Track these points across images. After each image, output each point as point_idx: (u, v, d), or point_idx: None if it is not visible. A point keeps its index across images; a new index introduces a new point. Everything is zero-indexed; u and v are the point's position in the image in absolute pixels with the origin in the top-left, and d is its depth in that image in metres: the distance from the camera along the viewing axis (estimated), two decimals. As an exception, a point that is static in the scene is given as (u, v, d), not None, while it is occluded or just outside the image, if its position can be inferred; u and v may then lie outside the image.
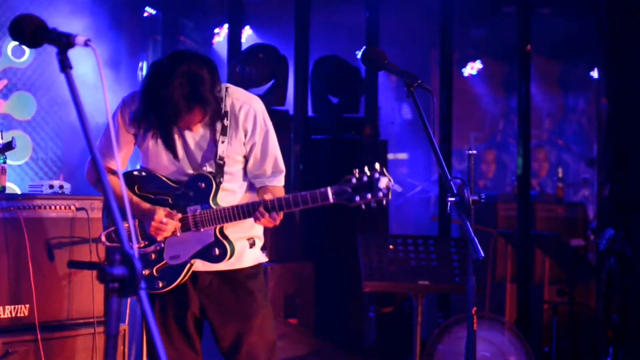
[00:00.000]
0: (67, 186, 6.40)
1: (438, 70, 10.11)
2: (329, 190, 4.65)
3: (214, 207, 4.88)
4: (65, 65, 3.10)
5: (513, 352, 7.72)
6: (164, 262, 4.96)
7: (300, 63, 9.33)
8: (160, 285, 4.96)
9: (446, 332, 7.72)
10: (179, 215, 4.90)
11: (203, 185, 4.91)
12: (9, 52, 9.44)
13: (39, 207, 6.04)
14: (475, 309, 4.49)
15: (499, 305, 9.23)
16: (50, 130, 9.66)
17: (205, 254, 4.92)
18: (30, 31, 3.21)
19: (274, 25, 10.96)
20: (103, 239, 5.08)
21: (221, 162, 4.93)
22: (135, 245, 4.92)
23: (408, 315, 8.88)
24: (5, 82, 9.48)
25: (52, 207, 6.09)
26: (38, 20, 3.23)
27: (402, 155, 13.49)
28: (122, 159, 5.07)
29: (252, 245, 5.08)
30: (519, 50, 9.51)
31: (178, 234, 4.92)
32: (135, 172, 5.08)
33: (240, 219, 4.83)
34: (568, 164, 13.89)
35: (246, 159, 5.04)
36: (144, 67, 10.41)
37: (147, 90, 4.73)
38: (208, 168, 4.95)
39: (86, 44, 3.12)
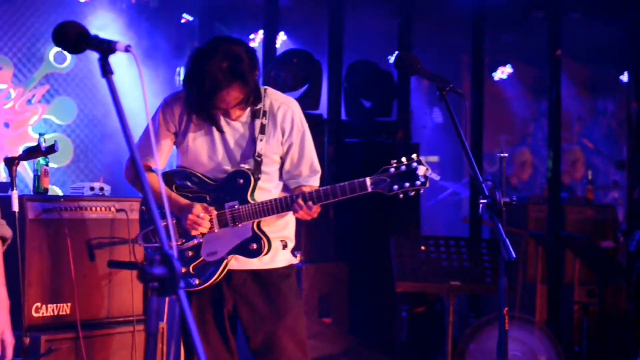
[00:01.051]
0: (108, 188, 6.45)
1: (469, 74, 10.10)
2: (368, 180, 4.71)
3: (251, 202, 4.90)
4: (106, 71, 3.12)
5: (543, 352, 7.71)
6: (201, 259, 4.98)
7: (334, 68, 9.34)
8: (197, 282, 4.98)
9: (478, 331, 7.72)
10: (215, 211, 4.93)
11: (241, 181, 4.92)
12: (51, 58, 9.49)
13: (81, 209, 6.11)
14: (506, 309, 4.49)
15: (529, 306, 9.20)
16: (90, 134, 9.71)
17: (243, 249, 4.93)
18: (73, 38, 3.22)
19: (307, 31, 10.97)
20: (140, 239, 5.11)
21: (259, 160, 4.95)
22: (175, 244, 4.95)
23: (440, 315, 8.89)
24: (47, 87, 9.53)
25: (93, 209, 6.15)
26: (80, 27, 3.24)
27: (434, 158, 13.45)
28: (162, 158, 5.11)
29: (284, 246, 5.10)
30: (549, 54, 9.49)
31: (216, 230, 4.93)
32: (174, 171, 5.11)
33: (278, 212, 4.85)
34: (598, 166, 13.83)
35: (282, 160, 5.07)
36: (181, 72, 10.44)
37: (188, 70, 4.81)
38: (246, 165, 4.96)
39: (127, 49, 3.14)
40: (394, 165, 4.71)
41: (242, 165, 4.98)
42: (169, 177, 5.10)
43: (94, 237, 6.09)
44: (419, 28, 9.68)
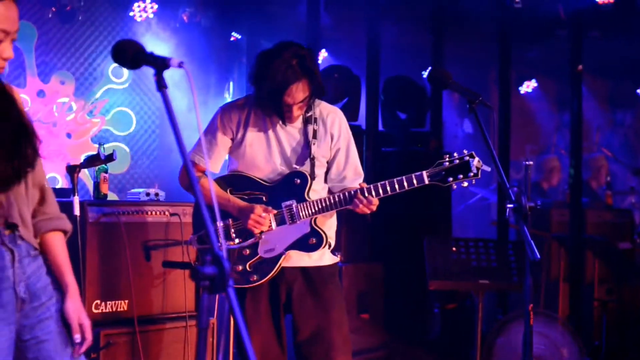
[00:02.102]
0: (162, 194, 6.44)
1: (497, 88, 10.04)
2: (425, 173, 4.82)
3: (309, 200, 4.89)
4: (161, 85, 3.10)
5: (566, 346, 7.64)
6: (258, 256, 4.96)
7: (371, 82, 9.30)
8: (254, 279, 4.96)
9: (505, 327, 7.66)
10: (274, 211, 4.91)
11: (298, 181, 4.93)
12: (110, 74, 9.52)
13: (137, 213, 6.10)
14: (531, 305, 4.47)
15: (552, 303, 9.13)
16: (146, 144, 9.73)
17: (301, 244, 4.93)
18: (131, 55, 3.21)
19: (347, 48, 10.93)
20: (194, 241, 5.09)
21: (314, 162, 4.95)
22: (224, 245, 4.93)
23: (469, 312, 8.81)
24: (106, 100, 9.56)
25: (149, 213, 6.15)
26: (137, 45, 3.23)
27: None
28: (218, 162, 5.09)
29: (329, 246, 5.08)
30: (571, 70, 9.45)
31: (273, 228, 4.90)
32: (228, 175, 5.09)
33: (339, 207, 4.86)
34: (616, 173, 13.71)
35: (329, 164, 5.06)
36: (230, 87, 10.44)
37: (258, 68, 4.84)
38: (301, 167, 4.96)
39: (180, 65, 3.12)
40: (448, 159, 4.84)
41: (297, 167, 4.98)
42: (225, 181, 5.09)
43: (149, 239, 6.09)
44: (451, 45, 9.63)
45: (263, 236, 4.95)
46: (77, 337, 3.81)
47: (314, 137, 4.97)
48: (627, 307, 8.95)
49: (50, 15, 9.14)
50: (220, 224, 4.94)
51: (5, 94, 3.67)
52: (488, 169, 4.84)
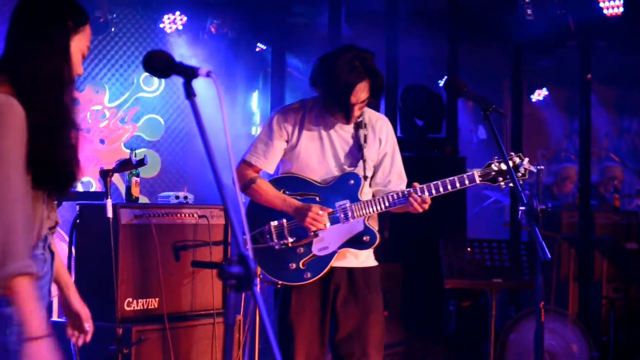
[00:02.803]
0: (191, 197, 6.44)
1: (510, 96, 10.01)
2: (476, 173, 4.86)
3: (362, 200, 4.88)
4: (190, 93, 3.09)
5: (575, 341, 7.62)
6: (312, 254, 4.92)
7: (390, 90, 9.28)
8: (308, 276, 4.92)
9: (517, 323, 7.63)
10: (330, 210, 4.88)
11: (352, 182, 4.91)
12: (141, 82, 9.53)
13: (167, 215, 6.09)
14: (542, 303, 4.46)
15: (563, 301, 9.09)
16: (175, 149, 9.74)
17: (355, 242, 4.91)
18: (161, 64, 3.19)
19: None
20: (248, 242, 5.05)
21: (365, 164, 4.92)
22: (278, 244, 4.93)
23: (484, 309, 8.78)
24: (137, 107, 9.57)
25: (178, 215, 6.14)
26: (167, 55, 3.21)
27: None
28: (273, 163, 5.06)
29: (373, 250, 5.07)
30: (581, 79, 9.43)
31: (327, 227, 4.87)
32: (282, 177, 5.06)
33: (393, 206, 4.86)
34: (623, 177, 13.67)
35: (375, 169, 5.04)
36: (255, 96, 10.45)
37: (323, 70, 4.83)
38: (353, 169, 4.94)
39: (207, 74, 3.11)
40: (497, 161, 4.86)
41: (348, 168, 4.96)
42: (278, 182, 5.06)
43: (178, 240, 6.08)
44: (465, 55, 9.59)
45: (317, 235, 4.91)
46: (88, 325, 3.91)
47: (365, 141, 4.95)
48: (634, 305, 8.92)
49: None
50: (274, 223, 4.93)
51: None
52: (534, 169, 4.85)
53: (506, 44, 9.79)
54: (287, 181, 5.03)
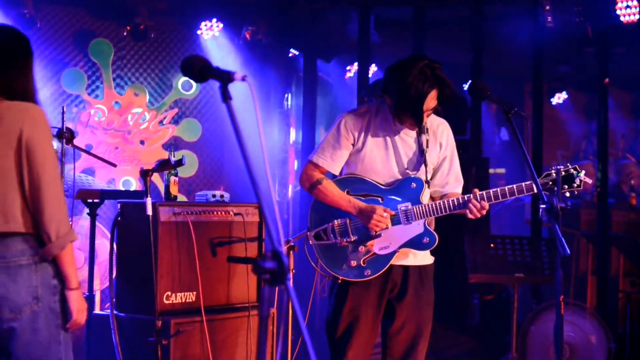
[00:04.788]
0: (227, 195, 6.43)
1: (531, 99, 9.96)
2: (534, 184, 4.70)
3: (423, 203, 4.84)
4: (226, 97, 3.09)
5: (593, 333, 7.57)
6: (372, 253, 4.89)
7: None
8: (368, 273, 4.89)
9: (538, 316, 7.58)
10: (392, 212, 4.84)
11: (414, 185, 4.86)
12: (179, 86, 9.55)
13: (204, 213, 6.11)
14: (562, 297, 4.43)
15: (581, 294, 9.05)
16: (212, 150, 9.76)
17: (415, 243, 4.87)
18: (198, 69, 3.20)
19: (394, 62, 10.92)
20: (311, 238, 5.02)
21: (427, 168, 4.90)
22: (340, 241, 4.91)
23: (506, 302, 8.74)
24: (176, 110, 9.59)
25: (215, 213, 6.15)
26: (204, 60, 3.22)
27: (501, 170, 13.36)
28: (338, 165, 5.02)
29: None
30: (598, 83, 9.35)
31: (389, 227, 4.84)
32: (346, 178, 5.02)
33: (452, 211, 4.82)
34: (639, 173, 13.60)
35: (434, 171, 5.00)
36: (289, 98, 10.44)
37: (397, 79, 4.77)
38: (415, 172, 4.90)
39: (243, 79, 3.10)
40: (554, 171, 4.76)
41: (410, 172, 4.92)
42: (343, 183, 5.02)
43: (215, 236, 6.10)
44: (488, 60, 9.55)
45: (379, 234, 4.88)
46: None
47: (427, 146, 4.91)
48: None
49: (125, 34, 9.20)
50: (338, 221, 4.91)
51: None
52: (589, 181, 4.84)
53: (527, 50, 9.73)
54: (351, 182, 4.99)
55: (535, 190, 4.71)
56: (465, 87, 10.96)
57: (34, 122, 3.93)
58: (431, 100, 4.73)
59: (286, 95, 10.34)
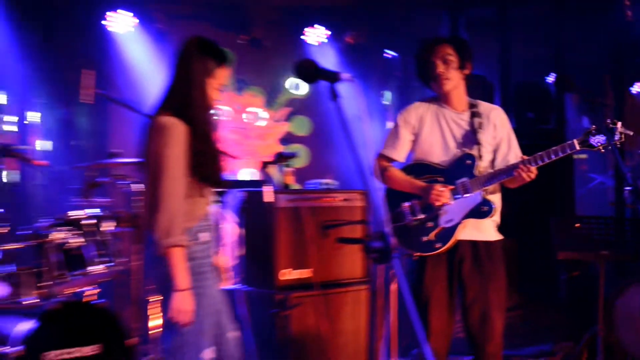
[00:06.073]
0: (335, 183, 6.55)
1: (611, 89, 9.85)
2: (575, 141, 4.77)
3: (478, 175, 4.92)
4: (334, 95, 3.19)
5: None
6: (440, 227, 4.96)
7: (504, 87, 9.26)
8: (438, 246, 4.96)
9: (623, 290, 7.51)
10: (451, 187, 4.93)
11: (469, 161, 4.94)
12: (291, 87, 9.69)
13: (316, 199, 6.20)
14: (645, 271, 4.40)
15: (664, 269, 8.92)
16: (321, 143, 9.87)
17: (475, 212, 4.93)
18: (310, 71, 3.31)
19: (481, 60, 10.88)
20: (388, 223, 5.11)
21: (480, 146, 4.96)
22: (411, 220, 4.99)
23: (592, 279, 8.68)
24: (289, 109, 9.74)
25: (325, 199, 6.24)
26: (314, 63, 3.33)
27: (583, 156, 13.20)
28: (403, 152, 5.12)
29: (497, 225, 5.09)
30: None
31: (451, 202, 4.93)
32: (411, 164, 5.13)
33: (503, 177, 4.87)
34: None
35: (494, 153, 5.05)
36: (388, 96, 10.49)
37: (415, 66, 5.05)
38: (469, 150, 4.98)
39: (349, 79, 3.21)
40: (594, 128, 4.77)
41: (464, 150, 5.00)
42: (408, 169, 5.12)
43: (326, 219, 6.18)
44: (571, 54, 9.47)
45: (443, 209, 4.96)
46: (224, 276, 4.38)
47: (480, 127, 4.98)
48: None
49: (242, 42, 9.39)
50: (407, 204, 4.99)
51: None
52: (630, 132, 4.78)
53: (608, 42, 9.63)
54: (414, 168, 5.09)
55: (578, 148, 4.78)
56: (550, 79, 10.90)
57: (153, 130, 4.03)
58: (445, 54, 4.94)
59: (383, 92, 10.40)
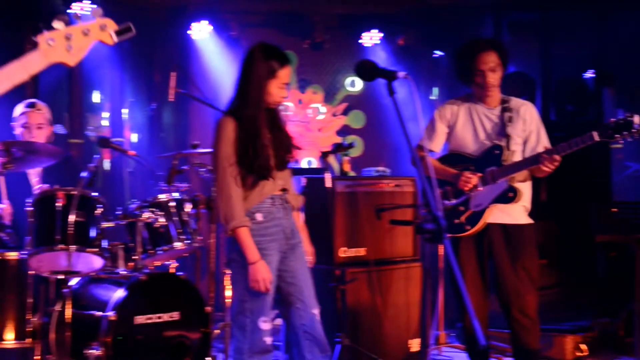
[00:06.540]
0: (388, 170, 6.66)
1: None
2: (594, 133, 4.72)
3: (505, 164, 4.99)
4: (391, 92, 3.31)
5: None
6: (470, 211, 5.07)
7: (545, 83, 9.28)
8: (468, 227, 5.06)
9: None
10: (480, 174, 5.03)
11: (497, 151, 5.02)
12: (347, 85, 9.84)
13: (370, 185, 6.27)
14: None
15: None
16: (375, 134, 9.96)
17: (502, 198, 5.00)
18: (369, 69, 3.44)
19: (522, 57, 10.85)
20: (424, 208, 5.19)
21: (509, 138, 5.03)
22: (442, 204, 5.09)
23: (629, 259, 8.65)
24: (346, 104, 9.89)
25: (378, 185, 6.30)
26: (372, 63, 3.47)
27: (619, 145, 13.07)
28: (438, 143, 5.25)
29: (526, 210, 5.15)
30: None
31: (480, 188, 5.02)
32: (446, 155, 5.26)
33: (528, 166, 4.91)
34: None
35: (525, 145, 5.11)
36: (436, 92, 10.55)
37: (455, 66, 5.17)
38: (498, 142, 5.06)
39: (405, 77, 3.35)
40: (613, 121, 4.71)
41: (494, 142, 5.08)
42: (444, 159, 5.24)
43: (379, 203, 6.18)
44: (608, 50, 9.44)
45: (472, 194, 5.04)
46: (310, 258, 4.57)
47: (509, 121, 5.04)
48: None
49: (305, 46, 9.60)
50: (440, 190, 5.08)
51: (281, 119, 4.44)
52: None
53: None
54: (449, 158, 5.22)
55: (597, 139, 4.68)
56: (587, 75, 10.88)
57: (214, 128, 4.26)
58: (489, 60, 4.97)
59: (432, 89, 10.47)
